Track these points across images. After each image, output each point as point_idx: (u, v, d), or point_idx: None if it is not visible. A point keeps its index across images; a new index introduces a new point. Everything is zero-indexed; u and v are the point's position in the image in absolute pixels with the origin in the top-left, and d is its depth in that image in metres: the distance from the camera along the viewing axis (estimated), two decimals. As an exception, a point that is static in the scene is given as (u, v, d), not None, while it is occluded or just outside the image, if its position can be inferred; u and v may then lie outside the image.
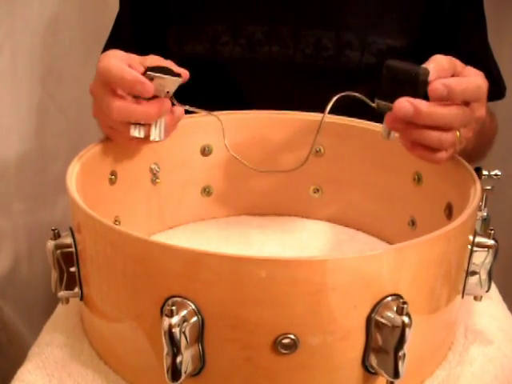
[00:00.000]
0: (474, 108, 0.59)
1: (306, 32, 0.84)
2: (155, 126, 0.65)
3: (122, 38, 0.93)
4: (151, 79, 0.62)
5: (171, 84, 0.64)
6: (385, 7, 0.85)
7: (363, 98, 0.59)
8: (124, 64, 0.62)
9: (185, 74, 0.65)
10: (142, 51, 0.71)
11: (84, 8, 1.08)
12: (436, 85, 0.55)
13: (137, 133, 0.65)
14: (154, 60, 0.66)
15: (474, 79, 0.58)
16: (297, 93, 0.86)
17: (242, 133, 0.78)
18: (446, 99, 0.56)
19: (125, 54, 0.66)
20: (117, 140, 0.68)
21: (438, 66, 0.57)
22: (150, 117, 0.63)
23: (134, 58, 0.66)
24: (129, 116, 0.63)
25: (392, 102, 0.57)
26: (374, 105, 0.59)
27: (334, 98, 0.60)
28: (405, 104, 0.56)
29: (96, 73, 0.65)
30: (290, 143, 0.79)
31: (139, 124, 0.64)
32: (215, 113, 0.73)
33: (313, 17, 0.85)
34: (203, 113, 0.71)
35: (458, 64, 0.61)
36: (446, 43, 0.87)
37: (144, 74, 0.62)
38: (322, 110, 0.73)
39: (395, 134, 0.60)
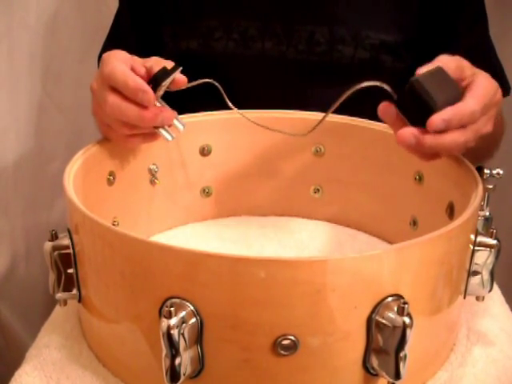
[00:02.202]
0: (480, 126, 0.59)
1: (298, 27, 0.84)
2: (162, 129, 0.66)
3: (121, 36, 0.93)
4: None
5: (172, 78, 0.65)
6: (378, 1, 0.85)
7: (387, 88, 0.59)
8: (128, 68, 0.63)
9: (183, 80, 0.66)
10: (141, 49, 0.71)
11: (82, 6, 1.08)
12: (435, 120, 0.56)
13: (166, 134, 0.66)
14: (156, 62, 0.66)
15: (470, 105, 0.57)
16: (290, 88, 0.86)
17: (241, 133, 0.78)
18: (444, 130, 0.56)
19: (128, 55, 0.66)
20: (113, 138, 0.68)
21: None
22: (143, 120, 0.63)
23: (137, 59, 0.67)
24: (121, 114, 0.63)
25: (405, 115, 0.58)
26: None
27: (357, 87, 0.59)
28: (408, 136, 0.56)
29: (99, 73, 0.65)
30: (289, 143, 0.78)
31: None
32: (214, 115, 0.73)
33: (305, 12, 0.84)
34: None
35: (466, 67, 0.61)
36: (444, 40, 0.86)
37: (148, 83, 0.62)
38: (315, 105, 0.73)
39: None
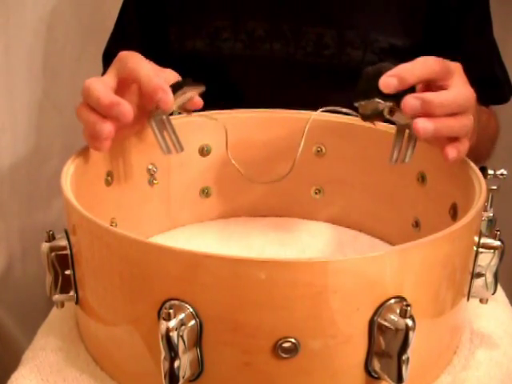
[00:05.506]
0: (457, 71, 0.60)
1: (307, 29, 0.84)
2: (162, 140, 0.66)
3: (126, 33, 0.93)
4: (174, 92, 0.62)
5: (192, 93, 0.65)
6: (387, 6, 0.85)
7: (349, 111, 0.60)
8: (105, 86, 0.61)
9: (200, 103, 0.66)
10: (146, 48, 0.70)
11: (79, 3, 1.08)
12: (384, 78, 0.56)
13: (164, 147, 0.65)
14: (172, 76, 0.66)
15: (418, 59, 0.58)
16: (298, 90, 0.86)
17: (241, 133, 0.77)
18: (421, 111, 0.56)
19: (144, 58, 0.65)
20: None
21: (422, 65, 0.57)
22: (98, 103, 0.59)
23: (154, 65, 0.66)
24: (78, 116, 0.62)
25: (367, 97, 0.57)
26: (358, 113, 0.59)
27: (316, 113, 0.62)
28: (411, 101, 0.55)
29: (114, 69, 0.64)
30: (290, 143, 0.77)
31: None
32: (215, 115, 0.72)
33: (314, 14, 0.85)
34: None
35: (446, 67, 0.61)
36: (450, 44, 0.86)
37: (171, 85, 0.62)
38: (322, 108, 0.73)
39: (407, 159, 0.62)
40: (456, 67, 0.60)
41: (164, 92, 0.60)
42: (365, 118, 0.60)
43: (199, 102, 0.66)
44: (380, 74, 0.56)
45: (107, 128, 0.58)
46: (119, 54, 0.64)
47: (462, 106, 0.57)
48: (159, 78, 0.61)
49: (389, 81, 0.55)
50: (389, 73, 0.56)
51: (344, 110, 0.61)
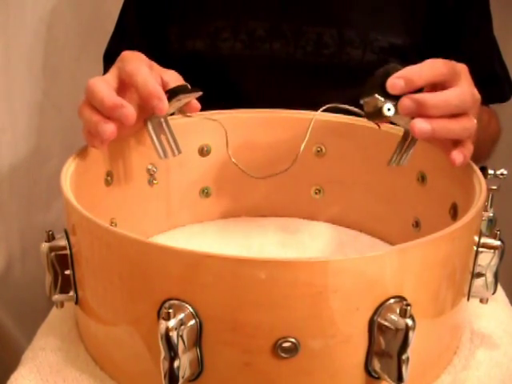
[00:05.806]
0: (462, 71, 0.59)
1: (307, 29, 0.84)
2: (158, 144, 0.66)
3: (127, 34, 0.93)
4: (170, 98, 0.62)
5: (189, 99, 0.65)
6: (387, 4, 0.85)
7: (352, 108, 0.61)
8: (109, 87, 0.61)
9: (197, 106, 0.66)
10: (147, 48, 0.70)
11: (79, 3, 1.08)
12: (391, 81, 0.56)
13: (160, 151, 0.66)
14: (174, 78, 0.66)
15: (426, 61, 0.58)
16: (298, 90, 0.86)
17: (241, 133, 0.77)
18: (417, 112, 0.56)
19: (147, 59, 0.65)
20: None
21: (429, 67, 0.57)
22: (102, 104, 0.59)
23: (156, 66, 0.66)
24: (80, 114, 0.61)
25: (368, 94, 0.58)
26: (363, 111, 0.59)
27: (318, 112, 0.62)
28: (407, 102, 0.56)
29: (116, 68, 0.64)
30: (291, 143, 0.77)
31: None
32: (215, 115, 0.73)
33: (314, 14, 0.85)
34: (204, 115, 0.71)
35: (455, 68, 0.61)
36: (450, 43, 0.86)
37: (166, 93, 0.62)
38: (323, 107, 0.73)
39: (403, 162, 0.63)
40: (462, 68, 0.59)
41: (159, 99, 0.60)
42: (369, 116, 0.60)
43: (196, 105, 0.66)
44: (387, 74, 0.56)
45: (109, 129, 0.58)
46: (122, 54, 0.64)
47: (458, 107, 0.57)
48: (155, 84, 0.61)
49: (396, 82, 0.55)
50: (396, 74, 0.56)
51: (346, 106, 0.61)
